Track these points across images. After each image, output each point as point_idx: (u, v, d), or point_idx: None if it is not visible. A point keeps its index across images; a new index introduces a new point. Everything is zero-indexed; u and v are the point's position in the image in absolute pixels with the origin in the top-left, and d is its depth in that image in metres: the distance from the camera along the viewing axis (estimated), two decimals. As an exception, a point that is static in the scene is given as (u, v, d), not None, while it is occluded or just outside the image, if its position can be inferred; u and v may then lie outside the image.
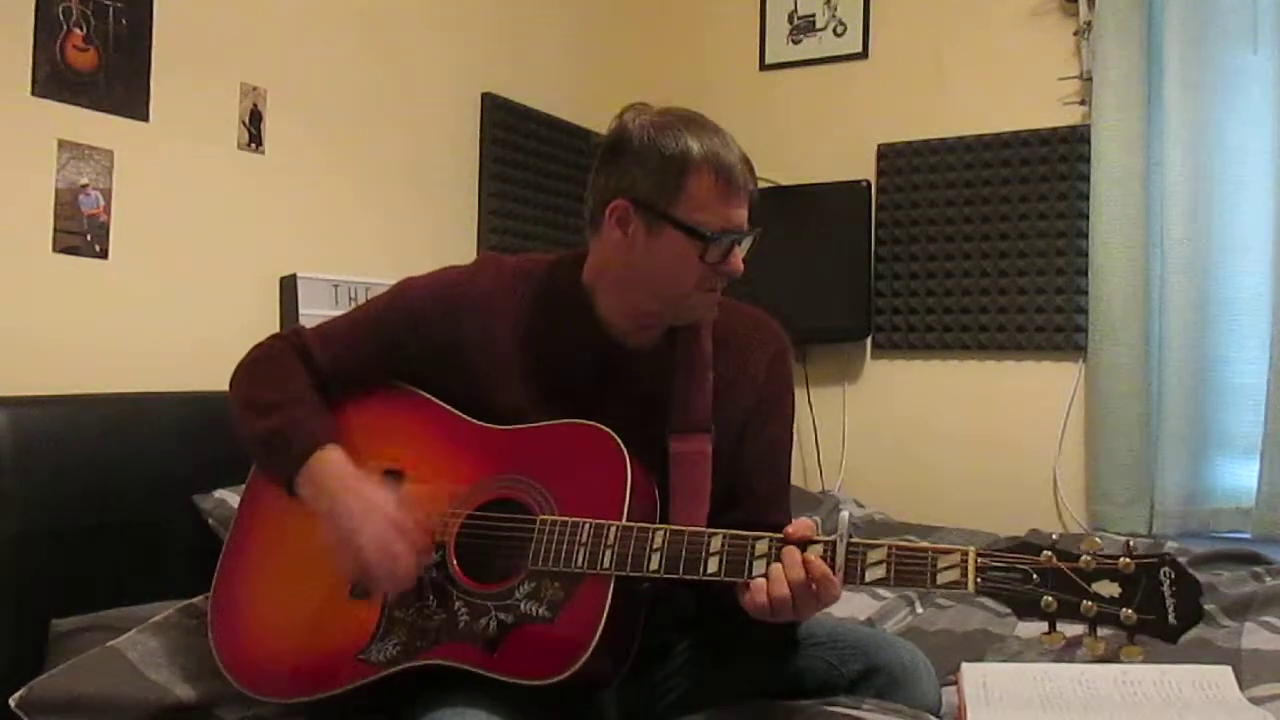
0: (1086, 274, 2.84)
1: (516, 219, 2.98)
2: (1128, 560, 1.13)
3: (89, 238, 1.99)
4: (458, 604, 1.27)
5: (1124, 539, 1.19)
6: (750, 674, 1.41)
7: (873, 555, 1.17)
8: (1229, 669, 1.36)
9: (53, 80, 1.93)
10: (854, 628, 1.55)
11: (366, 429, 1.40)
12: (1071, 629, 1.16)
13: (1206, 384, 2.72)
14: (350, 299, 2.37)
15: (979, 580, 1.14)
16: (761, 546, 1.20)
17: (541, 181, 3.07)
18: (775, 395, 1.44)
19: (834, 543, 1.18)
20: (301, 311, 2.29)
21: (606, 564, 1.22)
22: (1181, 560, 1.18)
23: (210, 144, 2.22)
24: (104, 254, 2.02)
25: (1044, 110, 2.93)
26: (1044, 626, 1.15)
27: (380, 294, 1.47)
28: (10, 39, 1.88)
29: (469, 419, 1.38)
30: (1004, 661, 1.69)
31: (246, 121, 2.28)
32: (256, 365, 1.43)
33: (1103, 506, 2.79)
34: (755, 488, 1.40)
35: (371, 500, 1.29)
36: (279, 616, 1.36)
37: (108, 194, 2.02)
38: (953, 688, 1.42)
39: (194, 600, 1.59)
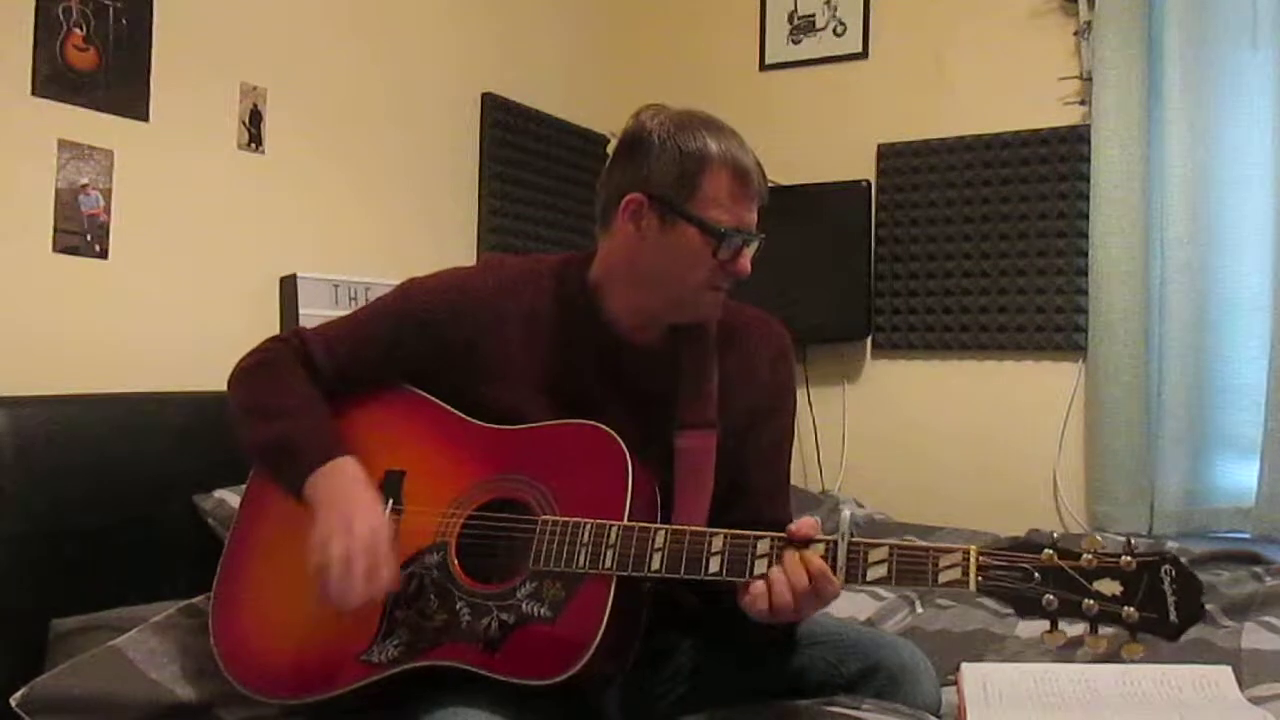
0: (1086, 274, 2.84)
1: (516, 219, 2.98)
2: (1129, 559, 1.13)
3: (89, 238, 1.99)
4: (459, 604, 1.27)
5: (1124, 539, 1.19)
6: (750, 674, 1.41)
7: (874, 554, 1.17)
8: (1229, 669, 1.36)
9: (53, 80, 1.93)
10: (854, 627, 1.55)
11: (368, 430, 1.40)
12: (1073, 628, 1.16)
13: (1206, 384, 2.72)
14: (350, 299, 2.37)
15: (980, 579, 1.14)
16: (763, 546, 1.20)
17: (541, 181, 3.07)
18: (778, 393, 1.45)
19: (835, 542, 1.18)
20: (301, 311, 2.29)
21: (608, 564, 1.22)
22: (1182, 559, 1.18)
23: (210, 144, 2.22)
24: (104, 254, 2.02)
25: (1044, 110, 2.93)
26: (1045, 625, 1.15)
27: (383, 295, 1.47)
28: (10, 39, 1.88)
29: (470, 419, 1.38)
30: (1004, 661, 1.69)
31: (246, 121, 2.28)
32: (258, 369, 1.43)
33: (1103, 506, 2.80)
34: (758, 484, 1.40)
35: (359, 518, 1.26)
36: (280, 616, 1.36)
37: (108, 194, 2.02)
38: (953, 688, 1.42)
39: (194, 600, 1.59)
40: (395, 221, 2.66)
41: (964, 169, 3.02)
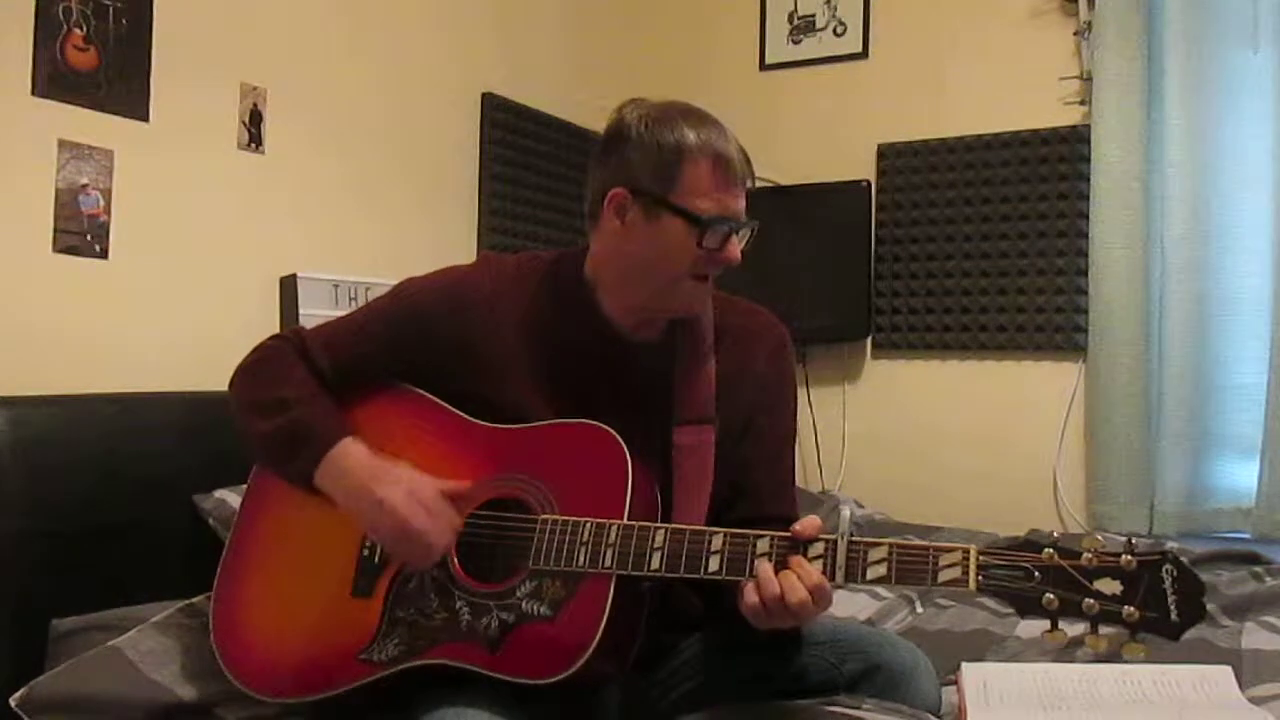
0: (1086, 274, 2.84)
1: (516, 219, 2.98)
2: (1129, 558, 1.13)
3: (89, 238, 1.99)
4: (459, 603, 1.27)
5: (1125, 539, 1.19)
6: (750, 673, 1.41)
7: (874, 554, 1.17)
8: (1229, 669, 1.36)
9: (53, 80, 1.92)
10: (854, 627, 1.54)
11: (368, 429, 1.39)
12: (1074, 627, 1.16)
13: (1206, 384, 2.72)
14: (350, 299, 2.37)
15: (980, 578, 1.14)
16: (763, 545, 1.20)
17: (541, 181, 3.07)
18: (778, 387, 1.45)
19: (835, 541, 1.18)
20: (301, 311, 2.29)
21: (608, 563, 1.22)
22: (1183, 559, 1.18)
23: (210, 144, 2.22)
24: (104, 254, 2.01)
25: (1044, 110, 2.93)
26: (1046, 624, 1.15)
27: (381, 295, 1.47)
28: (10, 39, 1.87)
29: (470, 418, 1.38)
30: (1004, 661, 1.69)
31: (246, 121, 2.28)
32: (260, 366, 1.43)
33: (1103, 506, 2.79)
34: (760, 481, 1.40)
35: (410, 478, 1.29)
36: (280, 616, 1.36)
37: (108, 194, 2.01)
38: (953, 688, 1.42)
39: (195, 600, 1.59)
40: (395, 221, 2.65)
41: (964, 169, 3.02)
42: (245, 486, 1.48)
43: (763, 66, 3.34)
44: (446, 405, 1.40)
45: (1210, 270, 2.71)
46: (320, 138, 2.45)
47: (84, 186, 1.98)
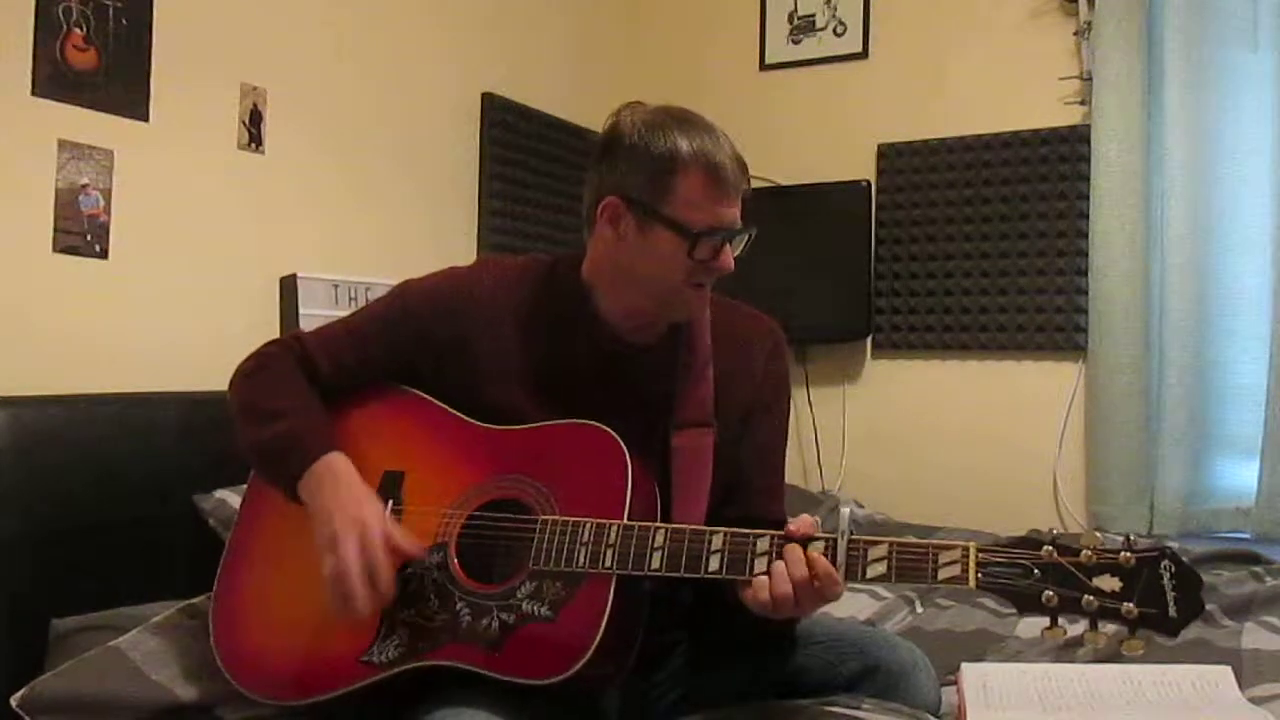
0: (1086, 274, 2.84)
1: (516, 219, 2.98)
2: (1128, 554, 1.13)
3: (89, 238, 1.99)
4: (459, 604, 1.27)
5: (1123, 537, 1.19)
6: (749, 673, 1.41)
7: (874, 552, 1.17)
8: (1229, 669, 1.36)
9: (53, 80, 1.92)
10: (853, 627, 1.55)
11: (368, 431, 1.40)
12: (1073, 625, 1.16)
13: (1206, 384, 2.72)
14: (350, 299, 2.37)
15: (980, 576, 1.14)
16: (763, 544, 1.20)
17: (541, 181, 3.07)
18: (773, 390, 1.45)
19: (835, 540, 1.18)
20: (301, 311, 2.29)
21: (608, 563, 1.22)
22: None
23: (210, 144, 2.22)
24: (104, 254, 2.01)
25: (1044, 110, 2.93)
26: (1045, 622, 1.15)
27: (380, 297, 1.47)
28: (10, 39, 1.87)
29: (470, 420, 1.38)
30: (1004, 661, 1.69)
31: (246, 121, 2.28)
32: (257, 372, 1.43)
33: (1103, 506, 2.79)
34: (754, 481, 1.41)
35: (368, 521, 1.26)
36: (281, 617, 1.36)
37: (108, 194, 2.01)
38: (953, 688, 1.42)
39: (195, 600, 1.59)
40: (395, 221, 2.65)
41: (964, 169, 3.02)
42: (245, 486, 1.48)
43: (763, 66, 3.34)
44: (446, 407, 1.40)
45: (1210, 270, 2.71)
46: (320, 138, 2.45)
47: (84, 186, 1.98)
